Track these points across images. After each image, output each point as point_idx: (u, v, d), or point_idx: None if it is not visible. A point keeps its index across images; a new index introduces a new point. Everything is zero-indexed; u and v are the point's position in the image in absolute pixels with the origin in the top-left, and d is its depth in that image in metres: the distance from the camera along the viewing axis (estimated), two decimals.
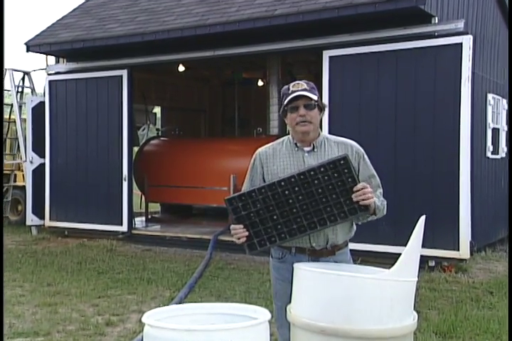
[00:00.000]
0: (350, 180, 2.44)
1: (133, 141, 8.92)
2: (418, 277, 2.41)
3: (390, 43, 6.47)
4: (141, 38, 7.63)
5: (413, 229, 2.39)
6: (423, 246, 2.42)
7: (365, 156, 2.65)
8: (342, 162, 2.45)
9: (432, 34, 6.30)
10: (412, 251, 2.37)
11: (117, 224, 8.30)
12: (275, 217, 2.47)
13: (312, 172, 2.46)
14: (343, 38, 6.75)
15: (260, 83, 11.60)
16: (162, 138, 10.74)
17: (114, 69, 8.32)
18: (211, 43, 7.57)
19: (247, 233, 2.47)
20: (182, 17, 7.65)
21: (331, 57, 6.83)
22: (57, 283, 5.86)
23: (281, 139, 2.73)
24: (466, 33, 6.17)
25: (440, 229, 6.06)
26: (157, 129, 11.83)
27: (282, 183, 2.47)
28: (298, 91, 2.54)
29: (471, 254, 6.43)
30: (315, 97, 2.55)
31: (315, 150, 2.62)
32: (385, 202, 2.59)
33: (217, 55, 7.68)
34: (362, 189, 2.40)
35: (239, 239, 2.47)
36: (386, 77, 6.55)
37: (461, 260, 6.22)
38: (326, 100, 6.78)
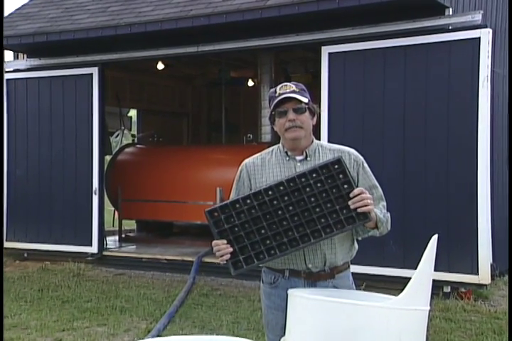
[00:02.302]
0: (346, 186, 2.45)
1: (105, 149, 8.89)
2: (431, 305, 2.41)
3: (397, 38, 6.52)
4: (114, 31, 7.64)
5: (424, 249, 2.38)
6: (436, 269, 2.41)
7: (365, 165, 2.67)
8: (336, 166, 2.47)
9: (446, 27, 6.35)
10: (424, 275, 2.36)
11: (86, 244, 8.25)
12: (263, 231, 2.47)
13: (303, 179, 2.47)
14: (345, 32, 6.79)
15: (251, 83, 11.65)
16: (138, 146, 10.73)
17: (83, 67, 8.31)
18: (194, 38, 7.59)
19: (231, 249, 2.46)
20: (161, 7, 7.67)
21: (330, 54, 6.87)
22: (14, 314, 5.79)
23: (270, 148, 2.76)
24: (485, 26, 6.21)
25: (456, 250, 6.06)
26: (133, 135, 11.82)
27: (269, 192, 2.48)
28: (286, 93, 2.58)
29: (493, 279, 6.43)
30: (305, 100, 2.59)
31: (308, 158, 2.65)
32: (389, 215, 2.61)
33: (202, 51, 7.69)
34: (359, 194, 2.41)
35: (222, 256, 2.46)
36: (393, 77, 6.58)
37: (481, 285, 6.21)
38: (325, 102, 6.81)
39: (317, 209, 2.45)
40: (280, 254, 2.47)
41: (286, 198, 2.47)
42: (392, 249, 6.24)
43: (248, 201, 2.48)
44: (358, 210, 2.41)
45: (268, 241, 2.47)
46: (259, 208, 2.47)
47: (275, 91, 2.63)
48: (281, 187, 2.47)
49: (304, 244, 2.45)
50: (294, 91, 2.58)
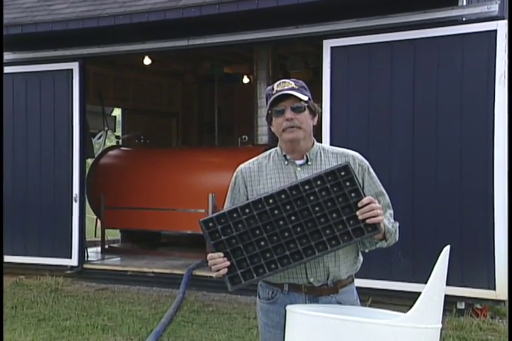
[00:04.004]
0: (353, 194, 2.46)
1: (86, 151, 8.88)
2: (443, 323, 2.41)
3: (406, 31, 6.53)
4: (97, 23, 7.63)
5: (436, 261, 2.38)
6: (449, 283, 2.41)
7: (371, 170, 2.69)
8: (343, 173, 2.48)
9: (459, 19, 6.37)
10: (435, 289, 2.36)
11: (65, 256, 8.22)
12: (262, 243, 2.48)
13: (307, 186, 2.48)
14: (349, 24, 6.80)
15: (246, 80, 11.65)
16: (123, 148, 10.71)
17: (63, 62, 8.30)
18: (185, 30, 7.59)
19: (228, 263, 2.46)
20: None
21: (333, 48, 6.87)
22: None
23: (267, 152, 2.77)
24: (502, 18, 6.22)
25: (471, 263, 6.07)
26: (117, 137, 11.80)
27: (270, 200, 2.48)
28: (283, 90, 2.59)
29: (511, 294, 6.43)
30: (304, 97, 2.60)
31: (309, 163, 2.66)
32: (397, 225, 2.62)
33: (193, 45, 7.70)
34: (368, 204, 2.42)
35: (218, 270, 2.46)
36: (401, 73, 6.59)
37: (499, 301, 6.21)
38: (326, 101, 6.82)
39: (322, 220, 2.46)
40: (282, 268, 2.47)
41: (288, 207, 2.47)
42: (401, 261, 6.23)
43: (247, 210, 2.49)
44: (367, 221, 2.41)
45: (268, 254, 2.47)
46: (259, 218, 2.48)
47: (272, 89, 2.64)
48: (283, 196, 2.48)
49: (307, 258, 2.46)
50: (292, 89, 2.59)
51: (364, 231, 2.43)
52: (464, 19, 6.35)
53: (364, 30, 6.71)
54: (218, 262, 2.46)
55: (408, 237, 6.10)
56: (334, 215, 2.46)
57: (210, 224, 2.49)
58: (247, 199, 2.66)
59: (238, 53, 10.68)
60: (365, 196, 2.45)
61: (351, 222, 2.44)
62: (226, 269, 2.46)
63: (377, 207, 2.43)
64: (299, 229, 2.47)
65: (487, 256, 6.13)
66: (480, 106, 6.23)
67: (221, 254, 2.47)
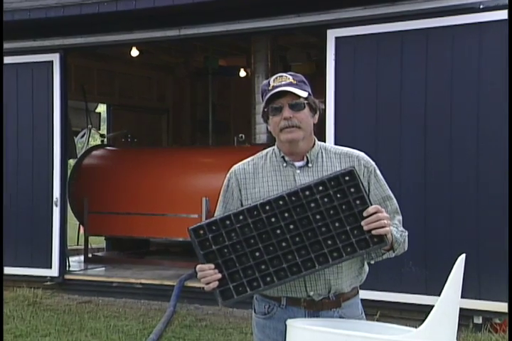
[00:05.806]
0: (358, 202, 2.44)
1: (68, 151, 8.88)
2: (458, 339, 2.39)
3: (418, 19, 6.54)
4: (79, 10, 7.63)
5: (450, 272, 2.37)
6: (465, 296, 2.40)
7: (377, 171, 2.67)
8: (347, 178, 2.46)
9: (476, 7, 6.37)
10: (449, 302, 2.35)
11: (44, 266, 8.22)
12: (257, 254, 2.46)
13: (307, 193, 2.46)
14: (355, 12, 6.80)
15: (243, 73, 11.68)
16: (108, 148, 10.72)
17: (42, 53, 8.31)
18: (176, 19, 7.60)
19: (219, 275, 2.44)
20: None
21: (338, 39, 6.88)
22: None
23: (264, 151, 2.76)
24: None
25: (488, 273, 6.06)
26: (102, 135, 11.81)
27: (267, 207, 2.47)
28: (280, 86, 2.57)
29: None
30: (304, 94, 2.58)
31: (309, 165, 2.64)
32: (406, 234, 2.60)
33: (185, 36, 7.70)
34: (375, 213, 2.39)
35: (208, 283, 2.44)
36: (412, 65, 6.60)
37: None
38: (331, 96, 6.82)
39: (323, 229, 2.44)
40: (278, 282, 2.46)
41: (286, 215, 2.46)
42: (412, 270, 6.22)
43: (241, 217, 2.47)
44: (373, 232, 2.40)
45: (263, 266, 2.45)
46: (254, 226, 2.46)
47: (268, 84, 2.62)
48: (281, 202, 2.46)
49: (306, 271, 2.44)
50: (290, 84, 2.57)
51: (369, 243, 2.42)
52: (481, 7, 6.35)
53: (372, 18, 6.72)
54: (208, 274, 2.44)
55: (420, 245, 6.10)
56: (337, 225, 2.44)
57: (201, 232, 2.48)
58: (241, 203, 2.65)
59: (234, 44, 10.70)
60: (371, 204, 2.44)
61: (355, 233, 2.42)
62: (217, 282, 2.44)
63: (385, 216, 2.41)
64: (297, 239, 2.45)
65: (505, 266, 6.11)
66: (498, 102, 6.23)
67: (212, 266, 2.45)
